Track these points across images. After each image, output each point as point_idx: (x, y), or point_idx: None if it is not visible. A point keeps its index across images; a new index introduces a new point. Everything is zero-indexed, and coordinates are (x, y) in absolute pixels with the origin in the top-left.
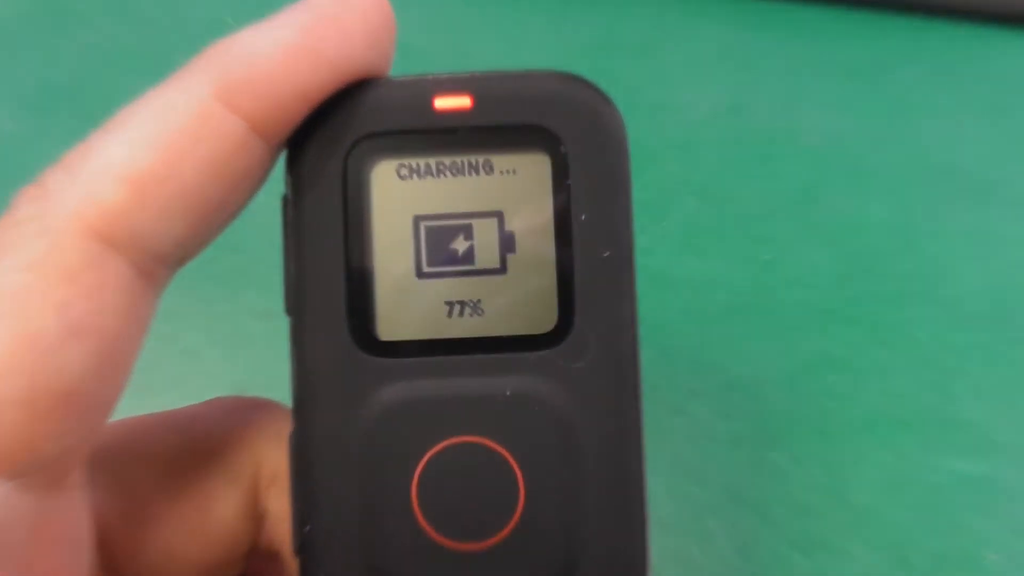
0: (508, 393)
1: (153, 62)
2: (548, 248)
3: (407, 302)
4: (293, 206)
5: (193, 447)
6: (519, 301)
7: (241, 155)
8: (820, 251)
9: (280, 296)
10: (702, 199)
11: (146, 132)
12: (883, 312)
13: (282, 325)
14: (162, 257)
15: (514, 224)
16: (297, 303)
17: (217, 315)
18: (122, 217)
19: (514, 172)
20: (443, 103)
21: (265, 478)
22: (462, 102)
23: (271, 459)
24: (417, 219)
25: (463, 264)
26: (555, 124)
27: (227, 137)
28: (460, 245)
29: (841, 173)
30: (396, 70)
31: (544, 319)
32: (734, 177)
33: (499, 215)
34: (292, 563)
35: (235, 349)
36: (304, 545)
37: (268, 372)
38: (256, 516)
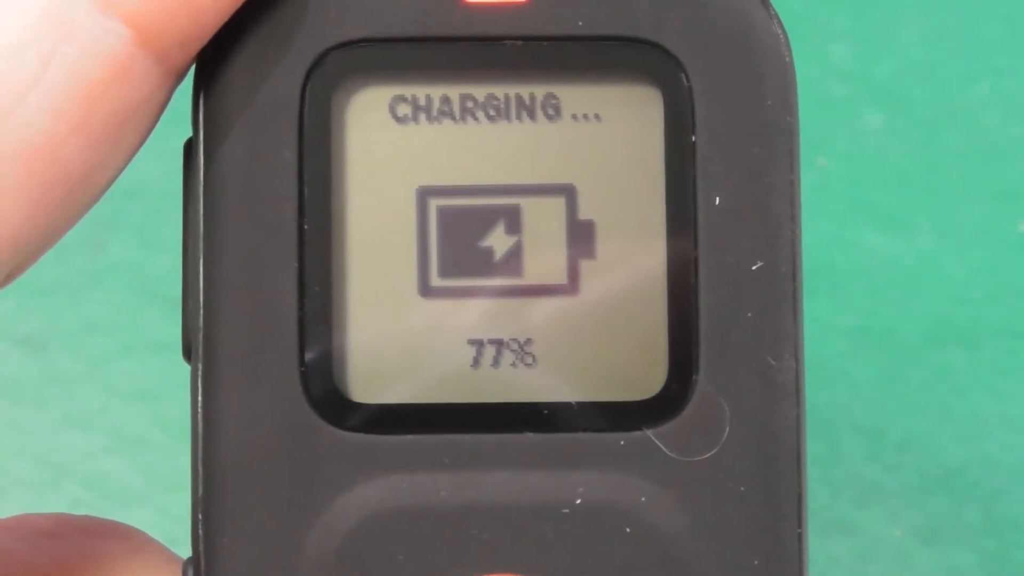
0: (578, 503)
1: None
2: (654, 252)
3: (404, 339)
4: (207, 163)
5: None
6: (600, 344)
7: (121, 85)
8: None
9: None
10: None
11: None
12: None
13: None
14: None
15: (595, 209)
16: (208, 336)
17: None
18: None
19: (597, 118)
20: None
21: None
22: None
23: None
24: (424, 194)
25: (502, 276)
26: (674, 38)
27: (101, 58)
28: (498, 243)
29: None
30: None
31: (643, 376)
32: None
33: (568, 192)
34: None
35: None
36: None
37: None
38: None
